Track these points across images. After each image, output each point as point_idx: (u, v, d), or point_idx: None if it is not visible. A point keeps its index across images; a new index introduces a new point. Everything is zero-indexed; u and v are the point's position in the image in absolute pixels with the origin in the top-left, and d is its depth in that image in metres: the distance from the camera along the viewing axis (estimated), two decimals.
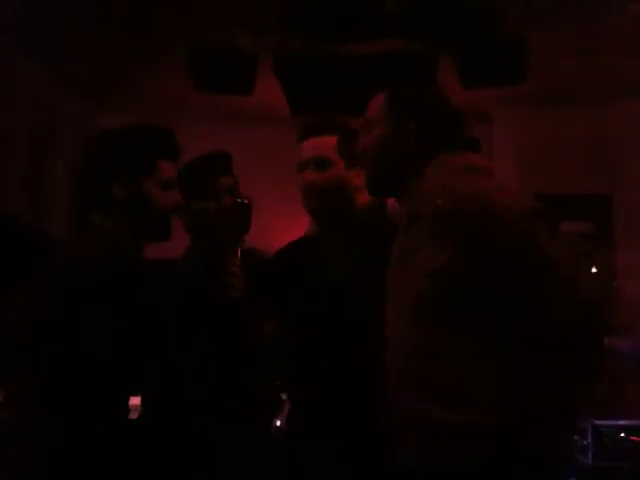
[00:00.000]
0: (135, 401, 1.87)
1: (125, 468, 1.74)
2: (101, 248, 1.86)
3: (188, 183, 2.18)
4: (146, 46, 3.79)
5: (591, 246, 4.28)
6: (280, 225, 2.25)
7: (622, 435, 3.17)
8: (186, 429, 1.94)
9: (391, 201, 1.88)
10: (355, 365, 1.77)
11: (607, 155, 4.30)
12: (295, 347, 2.00)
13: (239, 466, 1.98)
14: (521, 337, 1.41)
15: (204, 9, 3.44)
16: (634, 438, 3.16)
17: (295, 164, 2.03)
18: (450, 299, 1.45)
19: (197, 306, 1.92)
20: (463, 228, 1.45)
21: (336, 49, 3.66)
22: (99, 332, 1.77)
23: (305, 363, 1.96)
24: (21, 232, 3.43)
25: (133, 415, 1.85)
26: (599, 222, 4.30)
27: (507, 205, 1.44)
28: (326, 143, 1.99)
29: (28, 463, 1.75)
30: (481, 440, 1.39)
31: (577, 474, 3.16)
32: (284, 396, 2.33)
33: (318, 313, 1.93)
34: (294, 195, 2.07)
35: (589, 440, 3.19)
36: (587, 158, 4.32)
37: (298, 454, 1.91)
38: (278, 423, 2.49)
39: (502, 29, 3.47)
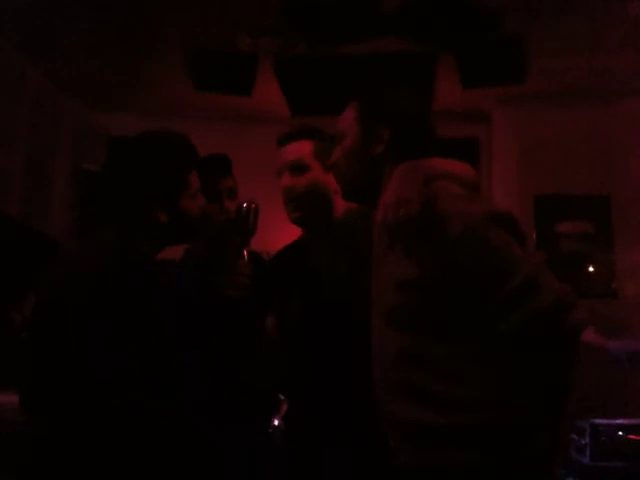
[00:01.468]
0: None
1: (125, 468, 1.76)
2: (104, 251, 1.88)
3: None
4: (146, 46, 3.80)
5: (590, 246, 4.29)
6: (279, 225, 2.25)
7: (620, 434, 3.17)
8: (186, 429, 1.95)
9: None
10: (353, 366, 1.77)
11: (606, 155, 4.30)
12: (292, 350, 2.01)
13: (239, 466, 1.99)
14: (497, 338, 1.41)
15: (204, 9, 3.44)
16: (632, 437, 3.16)
17: (274, 171, 2.05)
18: (419, 309, 1.46)
19: (198, 306, 1.93)
20: (415, 240, 1.46)
21: (337, 50, 3.67)
22: (99, 332, 1.78)
23: (302, 365, 1.97)
24: (22, 234, 3.45)
25: None
26: (598, 222, 4.30)
27: (458, 213, 1.43)
28: (302, 148, 2.01)
29: (28, 463, 1.77)
30: (481, 440, 1.40)
31: (575, 473, 3.17)
32: (281, 396, 2.35)
33: (314, 316, 1.94)
34: None
35: (587, 439, 3.19)
36: (586, 158, 4.31)
37: (297, 455, 1.92)
38: (276, 422, 2.51)
39: (501, 28, 3.47)
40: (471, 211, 1.45)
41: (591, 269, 4.27)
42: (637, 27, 3.37)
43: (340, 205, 2.01)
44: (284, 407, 2.15)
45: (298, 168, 1.99)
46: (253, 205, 1.98)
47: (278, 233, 2.29)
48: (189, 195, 1.89)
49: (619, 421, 3.22)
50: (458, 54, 3.75)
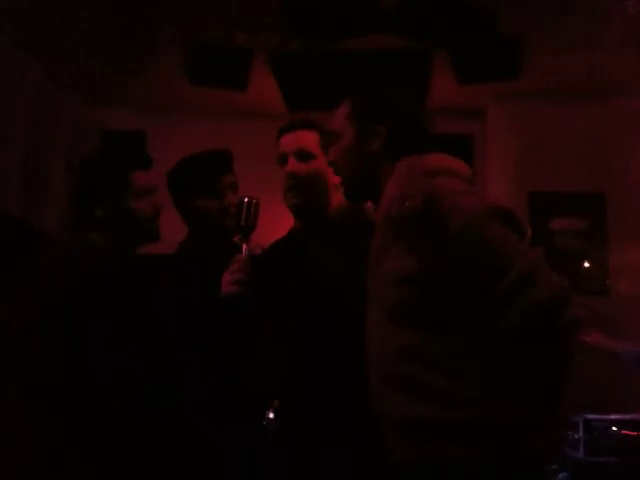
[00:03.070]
0: None
1: (126, 467, 1.76)
2: (98, 251, 1.89)
3: (190, 180, 2.20)
4: (144, 44, 3.78)
5: (585, 243, 4.30)
6: (275, 219, 2.25)
7: (614, 429, 3.20)
8: (186, 429, 1.95)
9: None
10: (352, 364, 1.77)
11: (602, 153, 4.31)
12: (289, 348, 2.00)
13: (239, 466, 1.99)
14: (497, 334, 1.42)
15: (200, 5, 3.43)
16: (625, 432, 3.19)
17: (276, 158, 2.03)
18: (421, 304, 1.47)
19: (198, 306, 1.92)
20: (416, 234, 1.47)
21: (333, 45, 3.65)
22: (99, 332, 1.78)
23: (300, 364, 1.96)
24: (13, 228, 3.43)
25: None
26: (593, 220, 4.32)
27: (460, 209, 1.45)
28: (307, 137, 2.01)
29: (27, 463, 1.77)
30: (482, 437, 1.41)
31: (569, 468, 3.19)
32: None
33: (310, 313, 1.93)
34: None
35: (580, 434, 3.21)
36: (582, 156, 4.32)
37: (296, 454, 1.91)
38: (271, 415, 2.50)
39: (496, 26, 3.47)
40: (472, 207, 1.46)
41: (585, 266, 4.29)
42: (636, 27, 3.38)
43: (336, 201, 2.00)
44: (276, 401, 2.14)
45: (305, 155, 1.98)
46: (254, 200, 1.96)
47: (273, 227, 2.28)
48: (132, 194, 1.95)
49: (613, 416, 3.24)
50: (454, 51, 3.76)
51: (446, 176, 1.54)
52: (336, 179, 1.90)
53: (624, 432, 3.19)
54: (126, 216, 1.95)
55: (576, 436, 3.25)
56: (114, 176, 1.96)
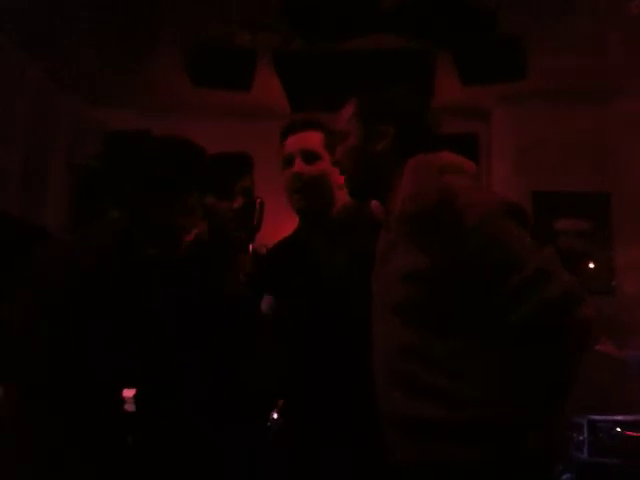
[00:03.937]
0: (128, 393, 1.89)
1: (126, 467, 1.76)
2: (104, 246, 1.88)
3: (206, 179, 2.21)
4: (145, 44, 3.79)
5: (589, 244, 4.30)
6: (278, 219, 2.25)
7: (618, 430, 3.19)
8: (186, 429, 1.95)
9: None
10: (353, 364, 1.76)
11: (605, 153, 4.30)
12: (291, 347, 2.00)
13: (239, 466, 1.99)
14: (504, 334, 1.42)
15: (203, 5, 3.43)
16: (630, 433, 3.18)
17: (280, 160, 2.02)
18: (425, 301, 1.47)
19: (198, 306, 1.93)
20: (430, 231, 1.47)
21: (336, 46, 3.65)
22: (99, 332, 1.77)
23: (301, 363, 1.96)
24: (13, 228, 3.43)
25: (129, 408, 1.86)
26: (597, 220, 4.31)
27: (474, 204, 1.45)
28: (312, 137, 1.99)
29: (27, 462, 1.76)
30: (482, 437, 1.40)
31: (573, 469, 3.19)
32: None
33: (314, 311, 1.93)
34: None
35: (585, 435, 3.21)
36: (585, 156, 4.32)
37: (296, 454, 1.91)
38: (275, 416, 2.50)
39: (496, 26, 3.47)
40: (486, 202, 1.47)
41: (590, 266, 4.28)
42: (636, 27, 3.37)
43: (340, 201, 2.00)
44: (281, 401, 2.14)
45: (311, 156, 1.96)
46: (259, 200, 1.97)
47: (275, 227, 2.28)
48: (184, 210, 1.88)
49: (617, 417, 3.24)
50: (455, 52, 3.75)
51: (455, 173, 1.55)
52: (340, 179, 1.90)
53: (628, 433, 3.18)
54: (167, 224, 1.89)
55: (580, 437, 3.24)
56: (178, 183, 1.88)
